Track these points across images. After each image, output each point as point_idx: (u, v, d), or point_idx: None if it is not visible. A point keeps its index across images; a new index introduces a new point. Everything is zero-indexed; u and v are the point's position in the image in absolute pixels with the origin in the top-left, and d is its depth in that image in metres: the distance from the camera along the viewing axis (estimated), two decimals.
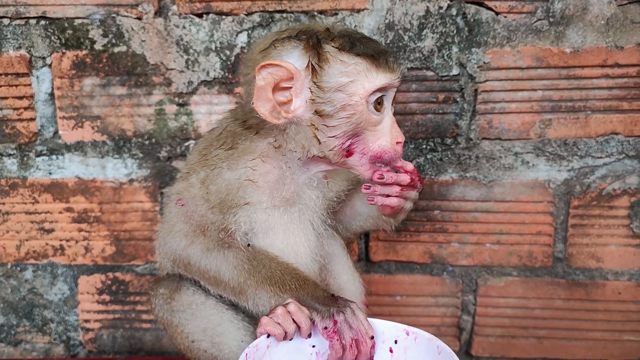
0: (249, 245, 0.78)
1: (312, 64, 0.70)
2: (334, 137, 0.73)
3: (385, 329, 0.76)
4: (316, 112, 0.72)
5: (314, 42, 0.71)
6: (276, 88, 0.72)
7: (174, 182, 1.10)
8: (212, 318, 0.81)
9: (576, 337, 1.12)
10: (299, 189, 0.79)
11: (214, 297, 0.82)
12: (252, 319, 0.82)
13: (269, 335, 0.71)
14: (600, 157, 1.06)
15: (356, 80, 0.71)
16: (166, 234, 0.82)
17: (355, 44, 0.71)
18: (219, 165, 0.78)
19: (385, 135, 0.74)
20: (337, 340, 0.71)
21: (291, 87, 0.72)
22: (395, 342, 0.76)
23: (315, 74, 0.71)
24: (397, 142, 0.75)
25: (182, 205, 0.80)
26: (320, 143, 0.73)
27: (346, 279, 0.92)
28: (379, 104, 0.73)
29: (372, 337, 0.73)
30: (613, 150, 1.06)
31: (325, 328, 0.71)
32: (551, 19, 1.02)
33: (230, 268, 0.78)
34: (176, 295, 0.83)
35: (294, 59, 0.71)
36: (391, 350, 0.76)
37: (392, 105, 0.76)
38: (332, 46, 0.71)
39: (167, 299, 0.84)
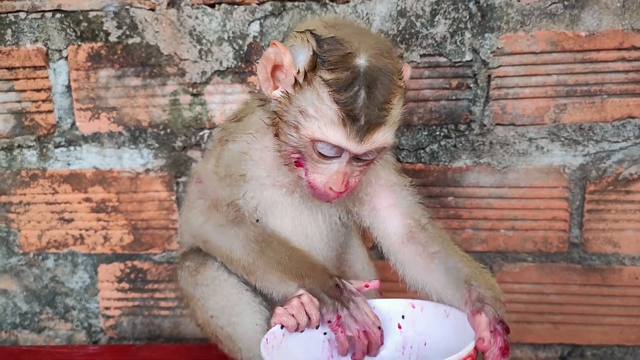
0: (257, 221, 0.79)
1: (295, 78, 0.70)
2: (284, 142, 0.73)
3: (391, 307, 0.77)
4: (276, 113, 0.73)
5: (311, 66, 0.69)
6: (279, 67, 0.73)
7: (190, 170, 1.13)
8: (231, 297, 0.82)
9: (592, 323, 1.12)
10: (297, 180, 0.78)
11: (235, 276, 0.83)
12: (270, 303, 0.83)
13: (282, 326, 0.73)
14: (617, 142, 1.05)
15: (318, 119, 0.68)
16: (187, 211, 0.85)
17: (349, 89, 0.67)
18: (228, 138, 0.81)
19: (324, 175, 0.72)
20: (342, 332, 0.72)
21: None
22: (403, 317, 0.77)
23: (296, 86, 0.70)
24: (330, 188, 0.72)
25: (200, 182, 0.83)
26: (279, 136, 0.74)
27: (361, 267, 0.92)
28: (324, 156, 0.71)
29: (380, 327, 0.74)
30: (629, 134, 1.04)
31: (330, 321, 0.73)
32: (566, 2, 1.00)
33: (241, 247, 0.78)
34: (201, 269, 0.84)
35: (301, 56, 0.71)
36: (399, 326, 0.77)
37: (355, 163, 0.72)
38: (321, 77, 0.68)
39: (192, 272, 0.85)
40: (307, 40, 0.70)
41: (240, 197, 0.79)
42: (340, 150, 0.70)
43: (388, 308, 0.77)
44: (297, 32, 0.73)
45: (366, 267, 0.93)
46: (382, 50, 0.70)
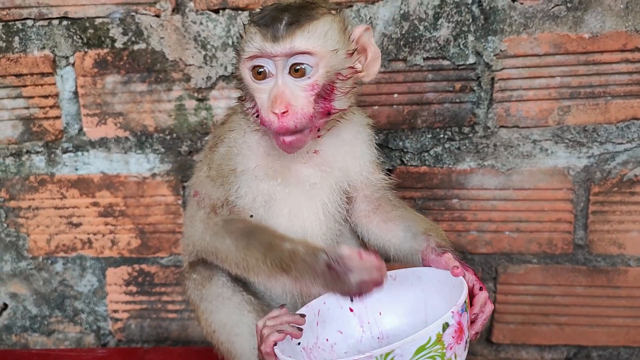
0: (251, 216, 0.81)
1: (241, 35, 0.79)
2: (244, 100, 0.79)
3: (338, 297, 0.77)
4: (234, 76, 0.81)
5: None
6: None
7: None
8: (233, 317, 0.84)
9: (598, 324, 1.12)
10: (288, 163, 0.80)
11: (240, 294, 0.85)
12: None
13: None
14: (621, 143, 1.05)
15: (246, 47, 0.75)
16: (190, 227, 0.87)
17: (265, 16, 0.74)
18: (217, 142, 0.84)
19: (266, 101, 0.75)
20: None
21: None
22: (351, 300, 0.76)
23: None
24: (272, 112, 0.74)
25: (196, 194, 0.85)
26: (245, 105, 0.80)
27: None
28: (259, 73, 0.75)
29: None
30: (634, 135, 1.04)
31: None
32: (569, 4, 1.00)
33: (233, 243, 0.77)
34: (207, 284, 0.86)
35: None
36: (351, 310, 0.81)
37: (293, 79, 0.74)
38: (251, 21, 0.78)
39: (198, 285, 0.87)
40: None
41: (234, 192, 0.80)
42: (268, 63, 0.74)
43: (336, 297, 0.76)
44: None
45: None
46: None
